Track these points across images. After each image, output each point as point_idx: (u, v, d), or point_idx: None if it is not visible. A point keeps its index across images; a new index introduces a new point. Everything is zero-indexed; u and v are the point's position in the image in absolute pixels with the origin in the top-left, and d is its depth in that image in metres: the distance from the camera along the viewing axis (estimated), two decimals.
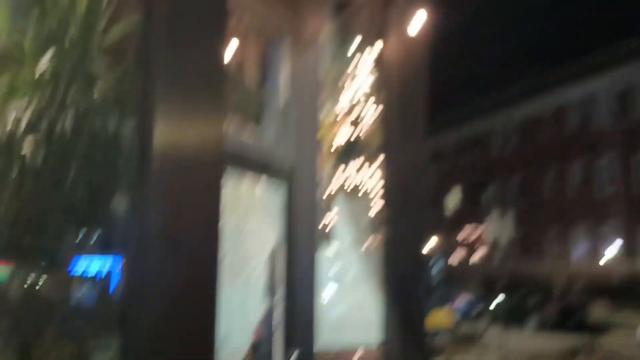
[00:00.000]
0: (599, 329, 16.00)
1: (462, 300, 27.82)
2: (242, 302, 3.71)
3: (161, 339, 2.93)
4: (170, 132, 3.12)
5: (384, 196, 4.67)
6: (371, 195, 4.74)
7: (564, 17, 37.80)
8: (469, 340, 11.82)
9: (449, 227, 39.11)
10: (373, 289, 4.47)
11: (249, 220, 3.91)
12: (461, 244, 40.57)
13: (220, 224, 3.29)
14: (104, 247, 3.80)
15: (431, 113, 5.00)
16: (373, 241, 4.61)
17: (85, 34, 2.88)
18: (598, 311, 23.70)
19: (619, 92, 30.18)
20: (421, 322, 4.59)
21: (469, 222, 37.62)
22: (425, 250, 4.88)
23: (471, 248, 39.68)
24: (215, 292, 3.17)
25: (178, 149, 3.17)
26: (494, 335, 12.59)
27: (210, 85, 3.35)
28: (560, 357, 9.55)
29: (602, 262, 30.72)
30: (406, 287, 4.48)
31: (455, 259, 41.20)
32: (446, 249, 39.71)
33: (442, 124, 34.51)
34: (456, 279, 32.51)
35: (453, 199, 37.79)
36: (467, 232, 38.55)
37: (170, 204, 3.10)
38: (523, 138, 36.97)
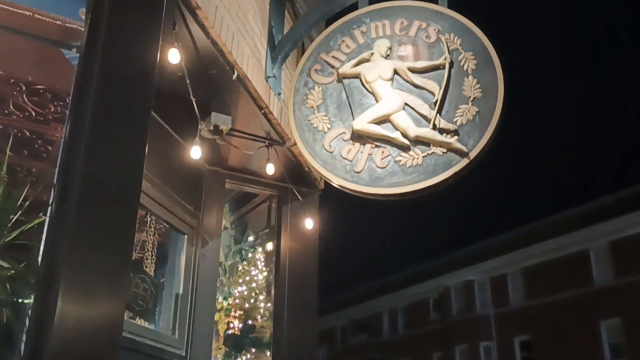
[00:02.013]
0: None
1: None
2: None
3: None
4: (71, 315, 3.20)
5: None
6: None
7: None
8: None
9: None
10: None
11: None
12: None
13: None
14: None
15: (322, 296, 5.26)
16: None
17: None
18: None
19: (493, 280, 32.18)
20: None
21: None
22: None
23: None
24: None
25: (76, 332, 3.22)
26: None
27: (114, 274, 3.50)
28: None
29: None
30: None
31: None
32: None
33: (332, 306, 34.97)
34: None
35: None
36: None
37: None
38: (409, 321, 37.87)
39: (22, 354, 3.22)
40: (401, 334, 38.06)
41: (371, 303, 40.22)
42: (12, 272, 3.05)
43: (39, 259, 3.02)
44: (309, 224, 4.98)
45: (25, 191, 3.05)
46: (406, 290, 37.13)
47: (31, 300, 3.27)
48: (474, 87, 4.01)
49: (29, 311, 3.19)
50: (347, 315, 41.46)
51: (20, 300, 3.65)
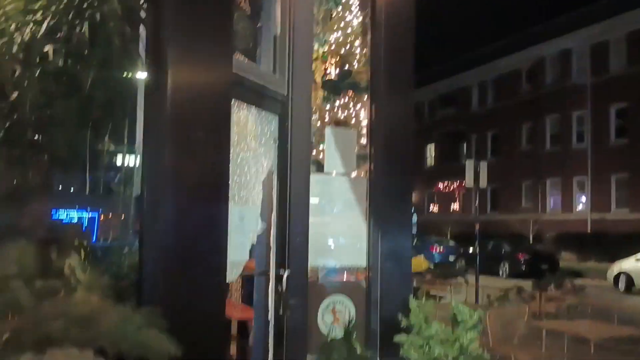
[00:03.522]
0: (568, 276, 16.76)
1: (436, 249, 28.64)
2: (240, 220, 3.94)
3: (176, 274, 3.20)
4: (182, 61, 3.34)
5: (370, 130, 4.87)
6: (360, 129, 4.96)
7: None
8: (442, 281, 12.35)
9: (426, 180, 39.64)
10: (360, 216, 4.73)
11: (245, 148, 4.10)
12: (437, 196, 41.20)
13: (229, 156, 3.54)
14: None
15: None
16: (361, 171, 4.85)
17: None
18: (566, 261, 24.58)
19: (593, 48, 30.50)
20: (407, 251, 4.84)
21: (445, 175, 38.20)
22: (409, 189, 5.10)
23: (447, 200, 40.36)
24: (225, 222, 3.47)
25: (189, 82, 3.39)
26: (467, 279, 13.18)
27: (219, 14, 3.55)
28: (532, 290, 10.08)
29: (572, 215, 31.58)
30: (392, 215, 4.73)
31: (430, 210, 41.90)
32: (422, 201, 40.34)
33: (420, 80, 34.68)
34: (431, 229, 33.25)
35: (430, 153, 38.21)
36: (444, 185, 39.17)
37: (182, 139, 3.34)
38: (499, 93, 37.27)
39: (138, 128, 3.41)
40: (489, 106, 37.87)
41: (460, 76, 39.59)
42: None
43: None
44: None
45: None
46: (497, 62, 36.01)
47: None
48: None
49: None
50: (434, 89, 41.27)
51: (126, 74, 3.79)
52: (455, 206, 39.85)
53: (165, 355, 2.42)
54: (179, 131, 3.36)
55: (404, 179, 4.80)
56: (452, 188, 38.40)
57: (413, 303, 4.32)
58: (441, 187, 39.54)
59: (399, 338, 4.23)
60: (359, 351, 3.16)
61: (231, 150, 3.70)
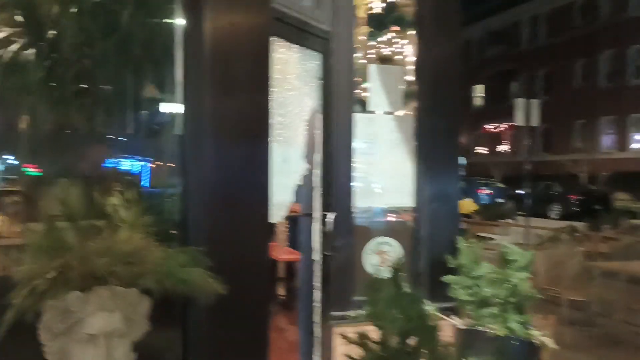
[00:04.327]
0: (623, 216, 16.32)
1: (484, 191, 28.27)
2: (284, 162, 3.88)
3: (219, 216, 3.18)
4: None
5: (416, 67, 4.69)
6: (406, 66, 4.78)
7: None
8: (491, 223, 12.17)
9: (474, 121, 38.88)
10: (406, 156, 4.61)
11: (287, 86, 4.00)
12: (485, 137, 40.44)
13: (270, 96, 3.46)
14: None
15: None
16: (407, 109, 4.70)
17: None
18: (621, 201, 23.92)
19: None
20: (454, 192, 4.71)
21: (494, 116, 37.34)
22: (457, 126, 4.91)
23: (495, 141, 39.59)
24: (268, 163, 3.42)
25: (227, 19, 3.29)
26: (516, 220, 12.96)
27: None
28: (586, 230, 9.84)
29: (627, 153, 30.56)
30: (439, 155, 4.59)
31: (479, 151, 41.22)
32: (470, 142, 39.68)
33: (468, 16, 33.51)
34: (479, 171, 32.78)
35: (480, 92, 37.22)
36: (493, 125, 38.38)
37: (222, 79, 3.27)
38: (551, 29, 35.83)
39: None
40: (541, 43, 36.46)
41: (510, 12, 38.08)
42: None
43: None
44: None
45: None
46: None
47: None
48: None
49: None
50: (482, 27, 39.85)
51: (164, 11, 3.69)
52: (503, 148, 39.06)
53: (210, 292, 2.42)
54: (219, 70, 3.28)
55: (452, 118, 4.63)
56: (500, 129, 37.58)
57: (462, 243, 4.23)
58: (489, 128, 38.72)
59: (447, 278, 4.16)
60: (406, 289, 3.11)
61: (273, 90, 3.61)
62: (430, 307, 3.88)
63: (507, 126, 35.55)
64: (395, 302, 2.83)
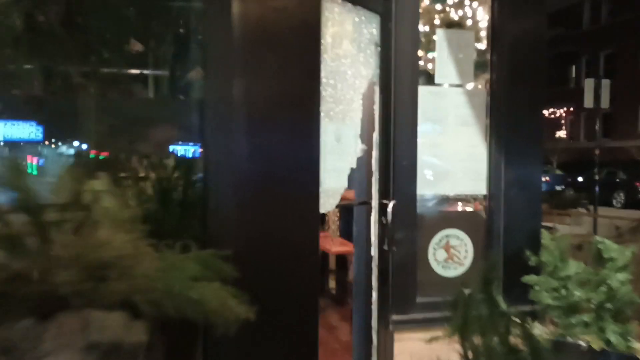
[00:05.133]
0: None
1: (547, 177, 27.03)
2: (337, 141, 3.31)
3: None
4: None
5: (493, 33, 4.03)
6: (478, 31, 4.13)
7: None
8: (559, 211, 11.35)
9: None
10: (479, 134, 3.98)
11: (342, 55, 3.42)
12: (548, 120, 38.88)
13: (320, 63, 2.90)
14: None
15: None
16: (480, 81, 4.06)
17: None
18: None
19: None
20: (536, 177, 4.05)
21: (552, 100, 35.87)
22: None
23: (552, 126, 38.10)
24: (317, 142, 2.86)
25: None
26: (588, 208, 12.11)
27: None
28: None
29: None
30: (519, 135, 3.93)
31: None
32: None
33: None
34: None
35: None
36: (550, 109, 36.93)
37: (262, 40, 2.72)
38: (615, 7, 34.10)
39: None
40: (603, 23, 34.72)
41: None
42: None
43: None
44: None
45: None
46: None
47: None
48: None
49: None
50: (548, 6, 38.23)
51: None
52: (561, 133, 37.52)
53: (231, 317, 1.76)
54: (258, 31, 2.72)
55: (536, 91, 3.95)
56: (558, 114, 36.09)
57: (547, 237, 3.59)
58: (546, 113, 37.21)
59: (529, 279, 3.54)
60: (502, 307, 2.49)
61: (324, 56, 3.04)
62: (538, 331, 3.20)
63: (565, 110, 34.08)
64: (490, 326, 2.21)
